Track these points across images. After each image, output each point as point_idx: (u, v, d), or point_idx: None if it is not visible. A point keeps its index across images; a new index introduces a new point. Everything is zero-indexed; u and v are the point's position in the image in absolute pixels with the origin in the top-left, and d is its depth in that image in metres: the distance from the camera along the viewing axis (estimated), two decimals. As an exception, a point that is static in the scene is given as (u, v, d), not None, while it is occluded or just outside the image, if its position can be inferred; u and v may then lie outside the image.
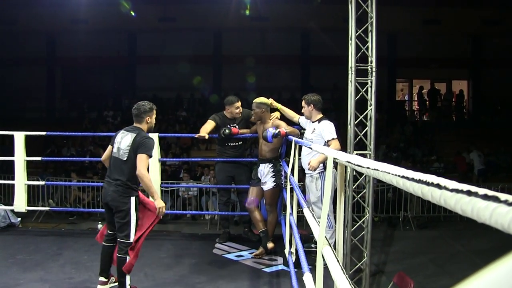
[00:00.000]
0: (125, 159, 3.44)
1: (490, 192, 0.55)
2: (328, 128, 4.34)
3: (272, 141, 4.33)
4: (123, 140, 3.49)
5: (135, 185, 3.50)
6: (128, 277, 3.46)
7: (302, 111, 4.61)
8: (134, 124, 3.58)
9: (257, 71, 14.85)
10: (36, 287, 3.67)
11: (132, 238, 3.45)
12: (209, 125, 4.95)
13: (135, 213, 3.47)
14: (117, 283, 3.58)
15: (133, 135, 3.46)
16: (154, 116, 3.66)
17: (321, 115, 4.52)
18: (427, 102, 16.36)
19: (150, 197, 3.61)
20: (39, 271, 4.01)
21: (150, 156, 3.47)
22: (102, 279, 3.63)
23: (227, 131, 4.87)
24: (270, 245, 4.56)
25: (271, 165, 4.53)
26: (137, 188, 3.53)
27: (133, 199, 3.46)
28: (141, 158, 3.39)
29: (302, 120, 4.78)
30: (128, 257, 3.43)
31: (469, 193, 0.59)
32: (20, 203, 5.24)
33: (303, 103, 4.56)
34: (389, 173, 0.94)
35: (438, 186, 0.68)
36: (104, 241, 3.65)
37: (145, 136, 3.48)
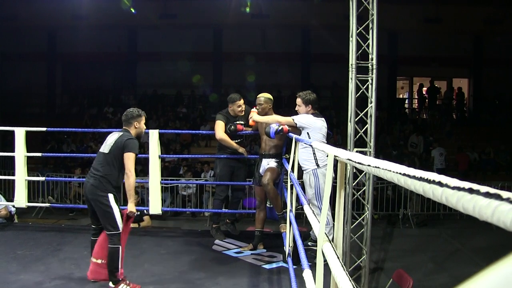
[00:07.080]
0: (107, 152, 3.60)
1: (492, 190, 0.55)
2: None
3: (275, 137, 4.32)
4: (110, 138, 3.68)
5: (112, 182, 3.56)
6: (119, 267, 3.51)
7: (297, 109, 4.54)
8: (123, 127, 3.77)
9: (257, 68, 14.82)
10: (36, 282, 3.68)
11: (120, 227, 3.53)
12: (222, 125, 5.04)
13: (116, 204, 3.54)
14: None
15: (120, 134, 3.67)
16: (143, 122, 3.83)
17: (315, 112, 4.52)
18: (427, 100, 16.33)
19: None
20: (39, 266, 4.03)
21: (136, 155, 3.60)
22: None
23: (232, 127, 4.98)
24: (260, 246, 4.73)
25: (274, 159, 4.52)
26: (115, 187, 3.59)
27: (111, 195, 3.53)
28: (128, 156, 3.55)
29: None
30: (120, 247, 3.50)
31: (471, 191, 0.58)
32: (21, 198, 5.25)
33: (299, 101, 4.50)
34: (390, 171, 0.94)
35: (440, 184, 0.68)
36: (91, 235, 3.78)
37: (130, 137, 3.65)
